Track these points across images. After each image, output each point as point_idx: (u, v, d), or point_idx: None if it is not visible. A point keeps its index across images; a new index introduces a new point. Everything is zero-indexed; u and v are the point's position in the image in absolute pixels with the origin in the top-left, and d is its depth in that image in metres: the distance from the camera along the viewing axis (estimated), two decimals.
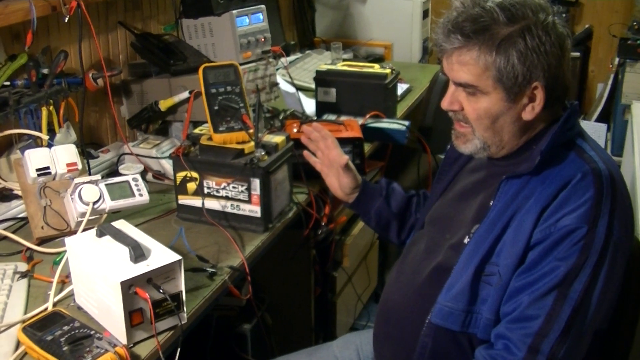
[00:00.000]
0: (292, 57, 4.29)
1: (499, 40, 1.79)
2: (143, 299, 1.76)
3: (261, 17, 3.08)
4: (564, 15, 6.04)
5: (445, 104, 1.94)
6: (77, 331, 1.78)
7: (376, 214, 2.46)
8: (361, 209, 2.50)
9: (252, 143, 2.35)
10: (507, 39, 1.78)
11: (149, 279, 1.78)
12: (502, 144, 1.92)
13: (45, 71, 2.61)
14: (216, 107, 2.37)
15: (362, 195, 2.47)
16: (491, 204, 1.90)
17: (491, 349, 1.81)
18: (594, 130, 5.45)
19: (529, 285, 1.76)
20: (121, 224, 1.99)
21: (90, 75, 2.73)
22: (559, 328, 1.72)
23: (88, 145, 2.77)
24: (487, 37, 1.80)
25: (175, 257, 1.83)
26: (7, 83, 2.53)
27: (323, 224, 2.77)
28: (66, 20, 2.54)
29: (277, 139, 2.44)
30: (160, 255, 1.84)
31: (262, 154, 2.33)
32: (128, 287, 1.74)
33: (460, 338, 1.90)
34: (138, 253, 1.80)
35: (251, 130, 2.35)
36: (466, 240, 1.93)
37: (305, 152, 2.51)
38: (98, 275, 1.83)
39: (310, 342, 3.19)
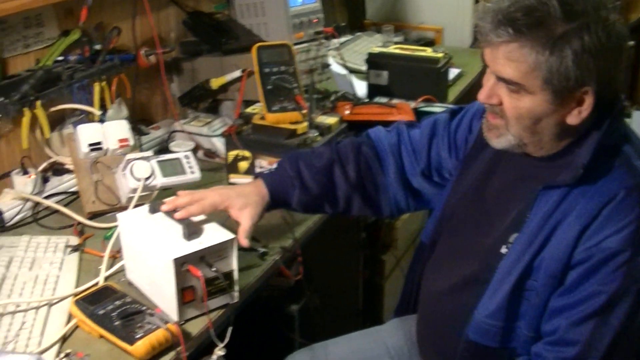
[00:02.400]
0: (342, 39, 4.25)
1: (555, 38, 1.60)
2: (195, 276, 1.75)
3: None
4: (617, 2, 5.94)
5: (482, 96, 1.75)
6: (128, 306, 1.78)
7: (300, 205, 2.15)
8: (278, 207, 2.17)
9: (305, 124, 2.34)
10: (563, 38, 1.59)
11: (201, 257, 1.77)
12: (541, 145, 1.76)
13: (97, 47, 2.61)
14: (269, 87, 2.36)
15: (273, 201, 2.11)
16: (528, 215, 1.78)
17: None
18: None
19: (568, 308, 1.70)
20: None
21: (143, 52, 2.73)
22: (597, 356, 1.67)
23: (138, 122, 2.77)
24: (541, 34, 1.61)
25: (228, 235, 1.82)
26: (61, 58, 2.53)
27: None
28: None
29: (330, 120, 2.43)
30: (214, 233, 1.84)
31: (315, 134, 2.32)
32: (181, 265, 1.74)
33: (500, 352, 1.85)
34: (191, 230, 1.80)
35: (305, 111, 2.33)
36: (503, 250, 1.82)
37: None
38: (150, 251, 1.83)
39: (357, 325, 3.17)
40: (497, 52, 1.66)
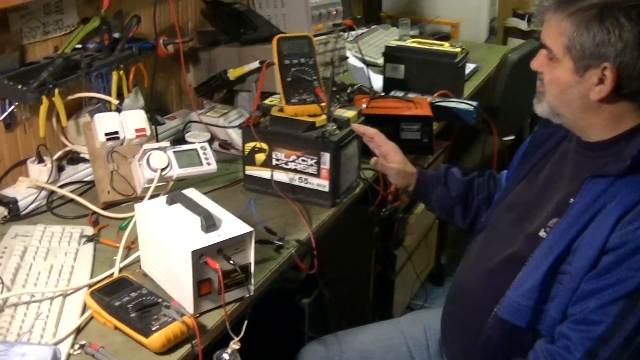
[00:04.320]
0: (358, 32, 4.24)
1: (576, 8, 1.76)
2: (213, 269, 1.74)
3: None
4: None
5: (534, 64, 1.91)
6: (145, 298, 1.77)
7: (437, 201, 2.42)
8: (421, 198, 2.48)
9: (324, 116, 2.32)
10: (584, 11, 1.75)
11: (219, 250, 1.76)
12: (577, 120, 1.87)
13: (116, 35, 2.60)
14: (289, 79, 2.34)
15: (419, 185, 2.42)
16: (572, 201, 1.85)
17: (551, 345, 1.79)
18: None
19: (598, 291, 1.71)
20: (191, 193, 1.98)
21: (162, 41, 2.72)
22: (621, 337, 1.68)
23: (154, 112, 2.76)
24: (569, 2, 1.79)
25: (247, 228, 1.81)
26: (79, 46, 2.53)
27: (389, 200, 2.73)
28: None
29: (349, 113, 2.41)
30: (232, 225, 1.83)
31: (334, 128, 2.30)
32: (199, 257, 1.73)
33: (524, 334, 1.87)
34: (210, 223, 1.79)
35: (324, 104, 2.32)
36: (542, 234, 1.88)
37: (365, 139, 2.46)
38: (168, 243, 1.82)
39: (367, 319, 3.17)
40: (545, 19, 1.86)
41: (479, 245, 2.14)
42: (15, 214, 2.27)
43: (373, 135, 2.39)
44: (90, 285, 1.90)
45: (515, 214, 2.06)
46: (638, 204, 1.71)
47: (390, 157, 2.40)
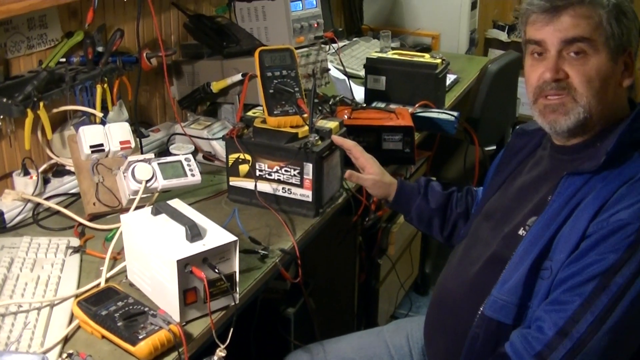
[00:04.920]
0: (340, 44, 4.27)
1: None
2: (198, 278, 1.77)
3: (315, 2, 3.08)
4: None
5: (550, 73, 1.85)
6: (131, 307, 1.79)
7: (416, 212, 2.44)
8: (401, 208, 2.49)
9: (307, 127, 2.35)
10: (612, 1, 1.83)
11: (204, 259, 1.79)
12: (601, 115, 1.86)
13: (100, 49, 2.63)
14: (271, 91, 2.37)
15: (399, 194, 2.45)
16: (550, 199, 1.88)
17: (525, 329, 1.82)
18: None
19: (572, 275, 1.75)
20: (176, 203, 2.00)
21: (145, 54, 2.74)
22: (593, 315, 1.70)
23: (139, 124, 2.78)
24: None
25: (231, 237, 1.84)
26: (64, 60, 2.55)
27: (371, 210, 2.76)
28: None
29: (331, 124, 2.44)
30: (216, 235, 1.85)
31: (316, 138, 2.33)
32: (184, 266, 1.75)
33: (510, 331, 1.88)
34: (194, 232, 1.81)
35: (306, 115, 2.35)
36: (521, 232, 1.92)
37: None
38: (153, 253, 1.84)
39: (352, 328, 3.20)
40: (561, 17, 1.83)
41: (461, 252, 2.16)
42: (2, 227, 2.28)
43: (350, 148, 2.43)
44: (77, 296, 1.92)
45: (494, 221, 2.09)
46: (614, 194, 1.76)
47: (367, 169, 2.43)
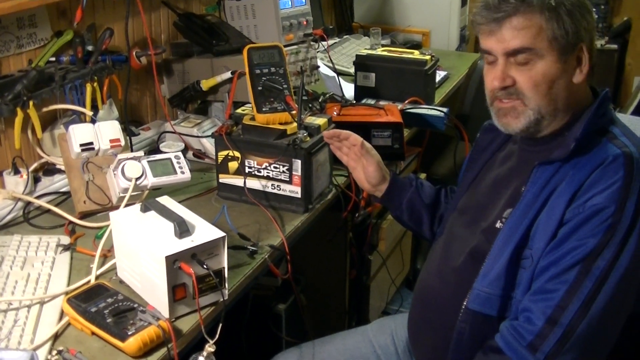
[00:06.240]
0: (330, 42, 4.28)
1: (547, 1, 1.83)
2: (187, 274, 1.78)
3: None
4: (602, 7, 6.00)
5: (497, 82, 1.90)
6: (120, 304, 1.81)
7: (408, 205, 2.44)
8: (392, 201, 2.47)
9: (295, 124, 2.36)
10: (553, 2, 1.83)
11: (193, 255, 1.80)
12: (555, 114, 1.90)
13: (90, 48, 2.63)
14: (260, 88, 2.38)
15: (392, 187, 2.44)
16: (523, 189, 1.91)
17: (514, 321, 1.84)
18: (630, 124, 5.34)
19: (554, 262, 1.78)
20: (165, 200, 2.01)
21: (134, 53, 2.75)
22: (579, 302, 1.73)
23: (129, 123, 2.79)
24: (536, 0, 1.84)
25: (219, 233, 1.85)
26: (53, 59, 2.56)
27: (361, 206, 2.77)
28: None
29: (320, 120, 2.45)
30: (205, 231, 1.86)
31: (305, 135, 2.34)
32: (173, 262, 1.76)
33: (497, 323, 1.90)
34: (183, 229, 1.82)
35: (294, 112, 2.36)
36: (498, 225, 1.95)
37: (333, 146, 2.46)
38: (143, 249, 1.85)
39: (344, 324, 3.21)
40: (502, 29, 1.86)
41: (440, 249, 2.18)
42: None
43: (348, 135, 2.40)
44: (67, 293, 1.92)
45: (469, 216, 2.12)
46: (587, 180, 1.79)
47: (370, 150, 2.42)
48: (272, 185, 2.41)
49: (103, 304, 1.81)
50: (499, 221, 1.95)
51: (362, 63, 3.40)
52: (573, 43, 1.85)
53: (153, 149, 2.82)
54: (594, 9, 1.97)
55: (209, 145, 2.76)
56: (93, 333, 1.77)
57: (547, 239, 1.81)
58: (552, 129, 1.94)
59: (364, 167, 2.41)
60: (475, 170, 2.22)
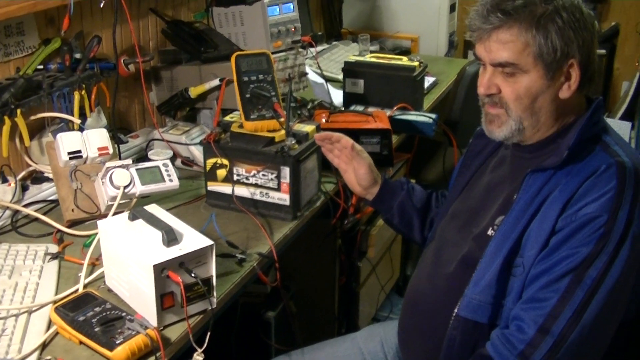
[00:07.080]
0: (319, 48, 4.28)
1: (538, 16, 1.81)
2: (175, 282, 1.78)
3: (292, 6, 3.09)
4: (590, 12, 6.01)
5: (482, 89, 1.93)
6: (108, 312, 1.80)
7: (399, 208, 2.44)
8: (384, 204, 2.47)
9: (283, 131, 2.36)
10: (546, 16, 1.81)
11: (181, 263, 1.79)
12: (538, 126, 1.92)
13: (78, 56, 2.63)
14: (248, 95, 2.38)
15: (383, 190, 2.44)
16: (515, 197, 1.91)
17: (505, 329, 1.84)
18: (619, 128, 5.41)
19: (546, 270, 1.78)
20: (153, 208, 2.01)
21: (122, 60, 2.75)
22: (571, 311, 1.73)
23: (117, 131, 2.79)
24: (526, 14, 1.82)
25: (207, 241, 1.85)
26: (41, 67, 2.56)
27: (350, 213, 2.77)
28: (101, 6, 2.58)
29: (308, 128, 2.46)
30: (193, 239, 1.86)
31: (293, 142, 2.34)
32: (160, 271, 1.76)
33: (487, 331, 1.90)
34: (171, 237, 1.82)
35: (282, 119, 2.36)
36: (490, 232, 1.95)
37: (324, 149, 2.47)
38: (130, 258, 1.85)
39: (333, 331, 3.21)
40: (489, 41, 1.87)
41: (431, 255, 2.18)
42: None
43: (340, 138, 2.41)
44: (55, 302, 1.92)
45: (461, 221, 2.12)
46: (579, 188, 1.79)
47: (362, 153, 2.44)
48: (260, 192, 2.41)
49: (91, 313, 1.80)
50: (490, 228, 1.95)
51: (351, 69, 3.40)
52: (561, 60, 1.84)
53: (141, 156, 2.82)
54: None
55: (197, 152, 2.76)
56: (81, 342, 1.77)
57: (539, 247, 1.81)
58: (538, 137, 1.95)
59: (355, 169, 2.42)
60: (467, 175, 2.23)
